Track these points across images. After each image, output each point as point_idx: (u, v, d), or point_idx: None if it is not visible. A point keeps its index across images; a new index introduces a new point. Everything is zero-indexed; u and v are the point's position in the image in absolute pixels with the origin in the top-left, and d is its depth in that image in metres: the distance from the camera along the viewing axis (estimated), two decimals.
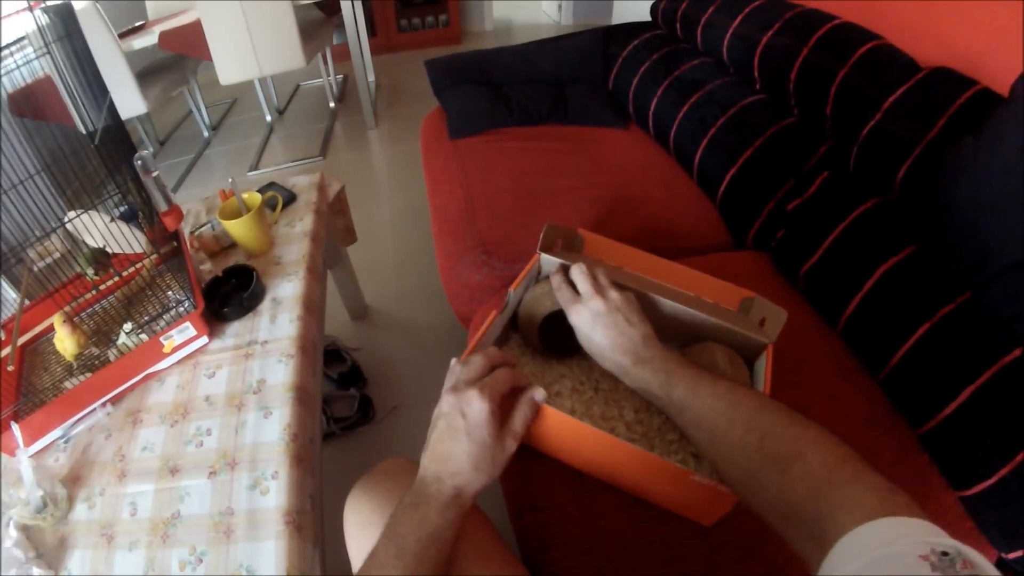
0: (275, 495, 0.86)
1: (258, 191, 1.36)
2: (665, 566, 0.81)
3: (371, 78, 4.30)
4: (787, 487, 0.54)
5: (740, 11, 1.66)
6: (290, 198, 1.50)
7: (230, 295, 1.16)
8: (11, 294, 1.16)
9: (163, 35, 2.93)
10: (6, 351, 1.06)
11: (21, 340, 1.13)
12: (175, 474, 0.90)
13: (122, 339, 1.05)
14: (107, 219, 1.07)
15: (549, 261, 0.98)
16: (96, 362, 1.05)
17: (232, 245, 1.36)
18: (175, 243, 1.22)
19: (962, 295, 0.95)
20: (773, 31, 1.52)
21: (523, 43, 2.27)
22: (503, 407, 0.71)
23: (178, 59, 3.44)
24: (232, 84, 3.10)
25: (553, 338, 0.95)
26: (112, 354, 1.05)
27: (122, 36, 2.87)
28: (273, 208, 1.42)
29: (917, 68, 1.18)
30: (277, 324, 1.12)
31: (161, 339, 1.03)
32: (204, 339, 1.09)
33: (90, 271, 1.14)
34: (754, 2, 1.64)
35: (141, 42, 2.91)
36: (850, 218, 1.15)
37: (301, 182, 1.58)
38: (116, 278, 1.17)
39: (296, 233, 1.37)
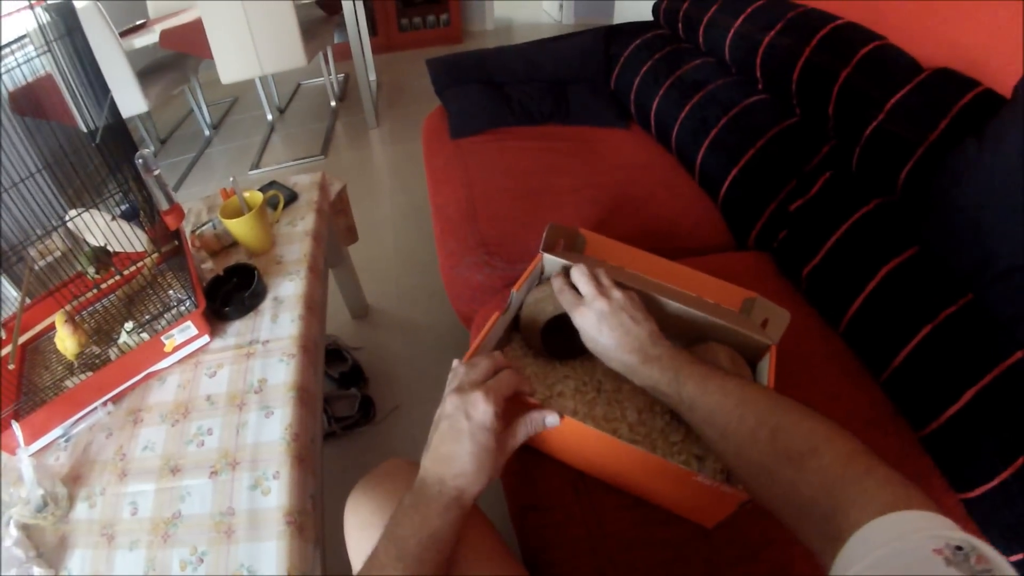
0: (276, 495, 0.85)
1: (259, 190, 1.36)
2: (667, 567, 0.81)
3: (372, 77, 4.30)
4: (800, 482, 0.54)
5: (742, 11, 1.66)
6: (291, 197, 1.50)
7: (231, 294, 1.16)
8: (12, 292, 1.16)
9: (164, 33, 2.93)
10: (7, 350, 1.06)
11: (22, 339, 1.12)
12: (176, 474, 0.90)
13: (123, 338, 1.05)
14: (108, 218, 1.07)
15: (552, 261, 0.98)
16: (97, 361, 1.05)
17: (233, 244, 1.36)
18: (176, 242, 1.22)
19: (964, 297, 0.95)
20: (775, 31, 1.51)
21: (524, 42, 2.27)
22: (505, 410, 0.71)
23: (179, 58, 3.44)
24: (233, 83, 3.09)
25: (556, 340, 0.95)
26: (113, 353, 1.05)
27: (123, 34, 2.87)
28: (274, 207, 1.41)
29: (920, 69, 1.18)
30: (278, 323, 1.12)
31: (162, 338, 1.03)
32: (205, 338, 1.09)
33: (91, 270, 1.14)
34: (756, 2, 1.64)
35: (142, 40, 2.91)
36: (852, 219, 1.15)
37: (302, 181, 1.58)
38: (117, 277, 1.17)
39: (297, 232, 1.37)
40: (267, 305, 1.16)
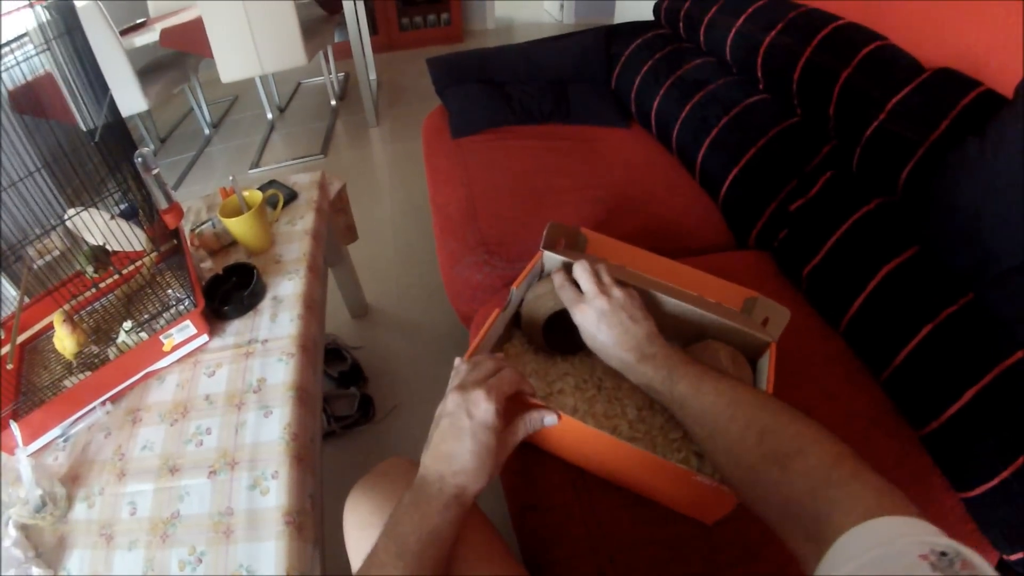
0: (275, 495, 0.85)
1: (259, 189, 1.36)
2: (667, 567, 0.81)
3: (372, 76, 4.30)
4: (785, 484, 0.54)
5: (743, 11, 1.65)
6: (291, 196, 1.50)
7: (230, 293, 1.16)
8: (11, 292, 1.15)
9: (164, 32, 2.93)
10: (5, 349, 1.06)
11: (20, 338, 1.12)
12: (175, 473, 0.90)
13: (122, 337, 1.05)
14: (107, 217, 1.07)
15: (552, 259, 0.98)
16: (96, 360, 1.05)
17: (233, 243, 1.35)
18: (175, 241, 1.22)
19: (965, 297, 0.95)
20: (776, 31, 1.51)
21: (525, 42, 2.27)
22: (506, 408, 0.71)
23: (179, 56, 3.44)
24: (233, 82, 3.09)
25: (556, 336, 0.95)
26: (112, 352, 1.04)
27: (123, 33, 2.87)
28: (274, 206, 1.41)
29: (921, 69, 1.17)
30: (277, 323, 1.12)
31: (161, 337, 1.02)
32: (204, 337, 1.09)
33: (90, 269, 1.14)
34: (757, 2, 1.64)
35: (142, 39, 2.91)
36: (853, 219, 1.15)
37: (302, 180, 1.58)
38: (116, 276, 1.17)
39: (297, 231, 1.37)
40: (266, 304, 1.16)
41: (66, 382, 1.02)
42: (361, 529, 0.77)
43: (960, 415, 0.88)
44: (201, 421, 0.97)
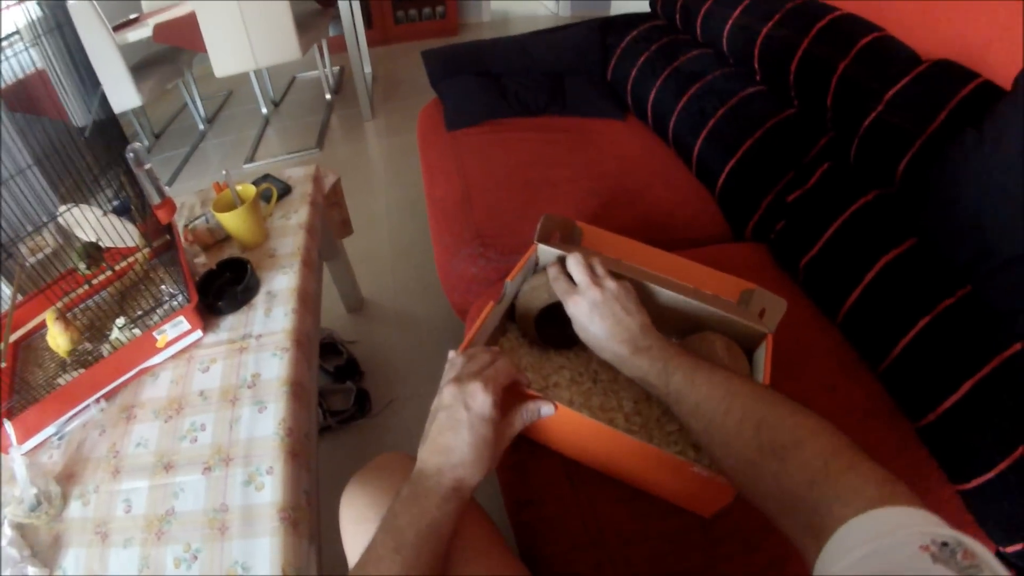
0: (270, 491, 0.85)
1: (253, 183, 1.35)
2: (665, 560, 0.81)
3: (368, 70, 4.28)
4: (784, 476, 0.54)
5: (740, 2, 1.65)
6: (285, 190, 1.49)
7: (224, 288, 1.15)
8: (3, 290, 1.15)
9: (158, 28, 2.92)
10: None
11: (13, 336, 1.11)
12: (169, 470, 0.89)
13: (115, 334, 1.04)
14: (100, 213, 1.06)
15: (546, 252, 0.98)
16: (89, 358, 1.04)
17: (226, 238, 1.35)
18: (168, 237, 1.21)
19: (963, 288, 0.95)
20: (773, 22, 1.50)
21: (521, 34, 2.26)
22: (502, 400, 0.71)
23: (173, 52, 3.42)
24: (227, 76, 3.07)
25: (551, 329, 0.95)
26: (105, 349, 1.04)
27: (116, 29, 2.85)
28: (268, 200, 1.40)
29: (918, 60, 1.17)
30: (272, 317, 1.11)
31: (154, 334, 1.02)
32: (198, 333, 1.08)
33: (82, 266, 1.13)
34: None
35: (136, 35, 2.89)
36: (850, 210, 1.15)
37: (296, 174, 1.57)
38: (109, 272, 1.16)
39: (291, 225, 1.36)
40: (260, 299, 1.16)
41: (60, 380, 1.01)
42: (357, 524, 0.76)
43: (957, 407, 0.88)
44: (195, 417, 0.96)
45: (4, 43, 0.92)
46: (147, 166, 1.04)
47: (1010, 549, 0.81)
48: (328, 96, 3.98)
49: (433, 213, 1.66)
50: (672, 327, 0.94)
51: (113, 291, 1.17)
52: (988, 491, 0.84)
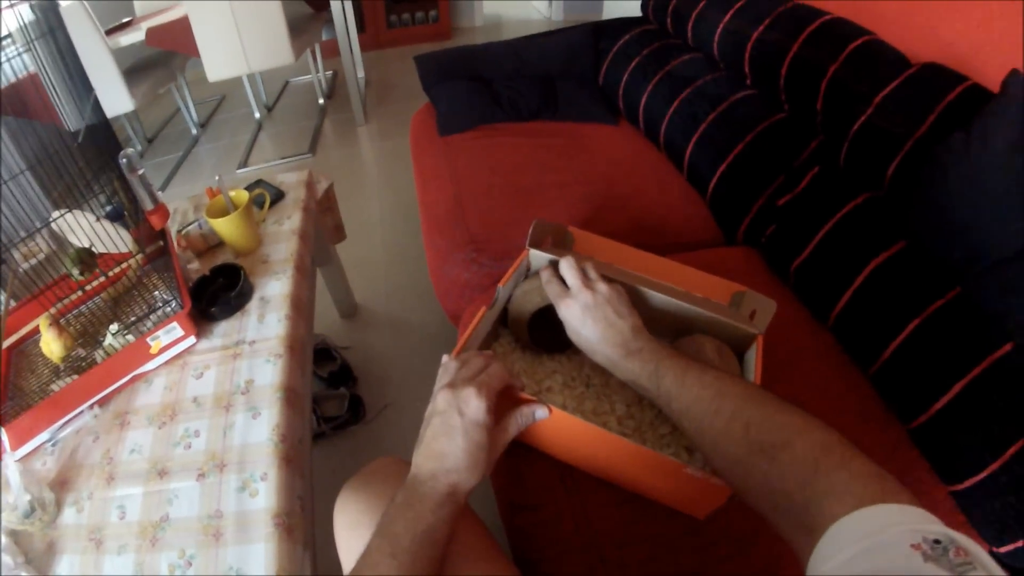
0: (264, 497, 0.85)
1: (246, 189, 1.35)
2: (658, 563, 0.81)
3: (360, 74, 4.28)
4: (774, 475, 0.54)
5: (731, 6, 1.66)
6: (278, 196, 1.49)
7: (217, 294, 1.15)
8: None
9: (150, 31, 2.91)
10: None
11: (7, 342, 1.11)
12: (163, 477, 0.89)
13: (108, 340, 1.04)
14: (93, 218, 1.06)
15: (538, 257, 0.98)
16: (83, 364, 1.04)
17: (220, 244, 1.35)
18: (161, 242, 1.21)
19: (952, 290, 0.96)
20: (764, 26, 1.51)
21: (513, 39, 2.27)
22: (496, 404, 0.71)
23: (166, 56, 3.41)
24: (220, 81, 3.07)
25: (543, 333, 0.95)
26: (99, 355, 1.04)
27: (109, 33, 2.84)
28: (261, 206, 1.40)
29: (908, 64, 1.18)
30: (265, 323, 1.11)
31: (148, 340, 1.02)
32: (191, 339, 1.08)
33: (76, 271, 1.13)
34: None
35: (128, 39, 2.89)
36: (840, 214, 1.15)
37: (289, 179, 1.57)
38: (102, 278, 1.16)
39: (284, 231, 1.36)
40: (254, 305, 1.16)
41: (53, 386, 1.01)
42: (352, 529, 0.77)
43: (948, 408, 0.89)
44: (189, 424, 0.96)
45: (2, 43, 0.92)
46: (140, 171, 1.04)
47: (1003, 549, 0.82)
48: (321, 101, 3.97)
49: (425, 218, 1.66)
50: (663, 330, 0.95)
51: (106, 297, 1.17)
52: (980, 491, 0.84)
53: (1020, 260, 0.86)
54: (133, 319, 1.09)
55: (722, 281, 0.99)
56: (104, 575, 0.81)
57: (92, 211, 1.05)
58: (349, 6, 3.89)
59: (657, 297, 0.92)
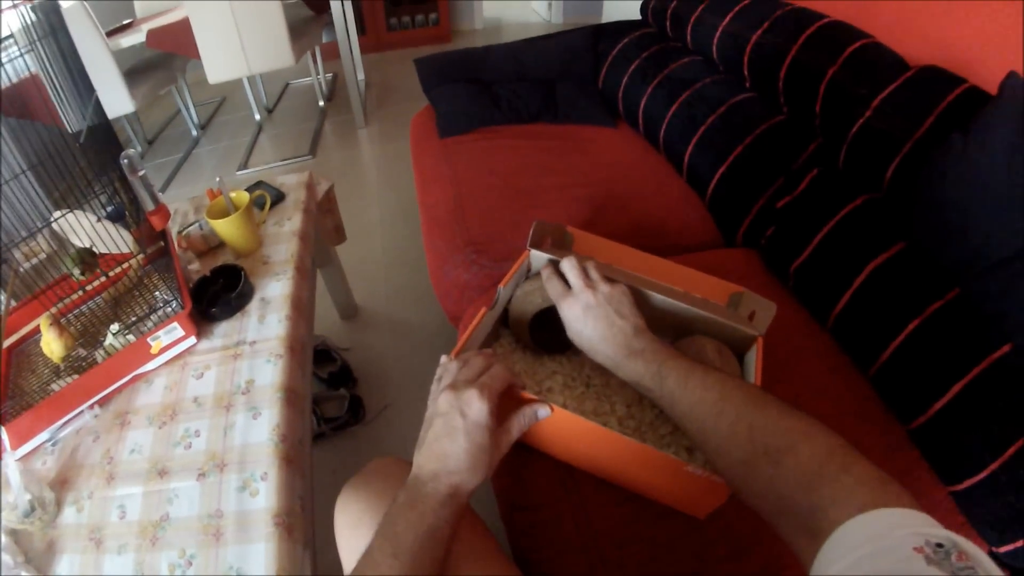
0: (264, 496, 0.85)
1: (246, 190, 1.35)
2: (658, 564, 0.81)
3: (361, 77, 4.28)
4: (778, 479, 0.54)
5: (730, 9, 1.66)
6: (278, 197, 1.49)
7: (218, 295, 1.15)
8: None
9: (151, 33, 2.91)
10: None
11: (7, 342, 1.11)
12: (164, 476, 0.89)
13: (109, 340, 1.04)
14: (94, 219, 1.06)
15: (539, 257, 0.98)
16: (83, 364, 1.04)
17: (220, 245, 1.35)
18: (162, 243, 1.21)
19: (951, 291, 0.96)
20: (763, 29, 1.52)
21: (513, 41, 2.27)
22: (500, 406, 0.71)
23: (166, 57, 3.42)
24: (221, 83, 3.07)
25: (544, 334, 0.95)
26: (99, 355, 1.04)
27: (110, 34, 2.85)
28: (261, 207, 1.41)
29: (906, 66, 1.18)
30: (265, 324, 1.11)
31: (148, 340, 1.02)
32: (192, 340, 1.08)
33: (76, 272, 1.13)
34: (743, 0, 1.64)
35: (129, 40, 2.89)
36: (839, 215, 1.16)
37: (290, 181, 1.57)
38: (103, 279, 1.16)
39: (285, 232, 1.37)
40: (254, 306, 1.16)
41: (54, 386, 1.01)
42: (352, 528, 0.77)
43: (948, 409, 0.89)
44: (190, 423, 0.96)
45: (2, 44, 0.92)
46: (141, 172, 1.05)
47: (1003, 549, 0.82)
48: (321, 103, 3.98)
49: (426, 220, 1.66)
50: (664, 331, 0.94)
51: (107, 297, 1.17)
52: (980, 492, 0.84)
53: (1019, 261, 0.86)
54: (134, 319, 1.10)
55: (719, 281, 0.99)
56: (104, 575, 0.80)
57: (93, 211, 1.06)
58: (349, 8, 3.90)
59: (656, 298, 0.92)
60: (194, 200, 1.55)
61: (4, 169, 0.89)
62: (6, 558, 0.80)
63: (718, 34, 1.69)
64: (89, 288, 1.15)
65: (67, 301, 1.14)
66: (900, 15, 1.29)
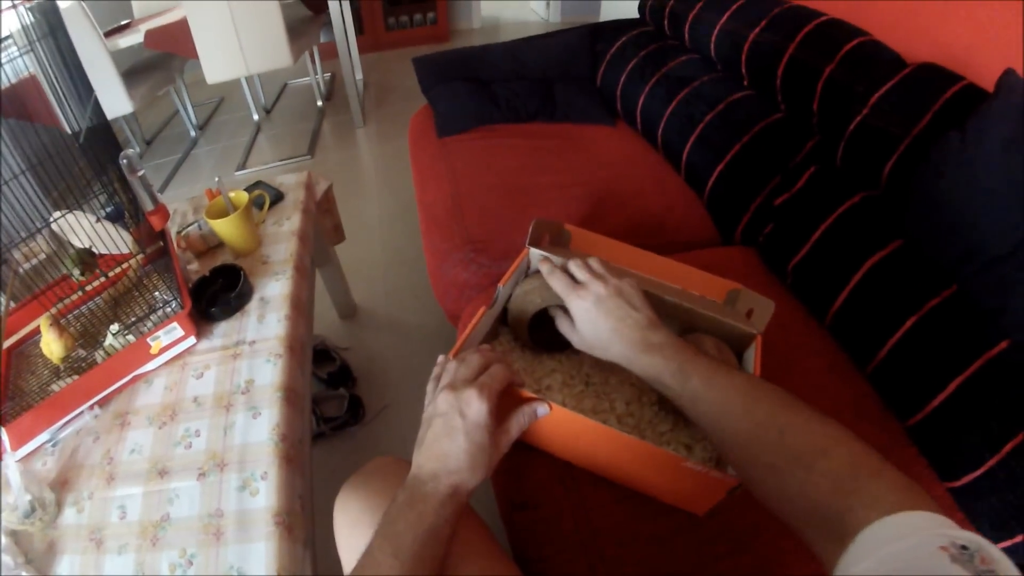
0: (264, 496, 0.85)
1: (245, 190, 1.35)
2: (657, 561, 0.82)
3: (359, 76, 4.28)
4: (809, 484, 0.53)
5: (727, 7, 1.66)
6: (277, 197, 1.49)
7: (217, 295, 1.15)
8: None
9: (149, 33, 2.91)
10: None
11: (7, 343, 1.11)
12: (164, 476, 0.90)
13: (109, 340, 1.04)
14: (93, 219, 1.06)
15: (538, 256, 0.98)
16: (83, 364, 1.04)
17: (219, 245, 1.35)
18: (161, 243, 1.22)
19: (948, 288, 0.96)
20: (760, 27, 1.52)
21: (511, 40, 2.27)
22: (498, 404, 0.71)
23: (164, 58, 3.41)
24: (219, 83, 3.07)
25: (543, 333, 0.95)
26: (99, 356, 1.04)
27: (108, 35, 2.84)
28: (260, 207, 1.41)
29: (903, 64, 1.18)
30: (265, 324, 1.11)
31: (148, 340, 1.02)
32: (192, 340, 1.08)
33: (76, 272, 1.13)
34: None
35: (127, 41, 2.88)
36: (837, 213, 1.16)
37: (288, 181, 1.58)
38: (102, 279, 1.16)
39: (284, 232, 1.37)
40: (253, 305, 1.16)
41: (53, 386, 1.01)
42: (352, 527, 0.77)
43: (945, 406, 0.89)
44: (190, 423, 0.96)
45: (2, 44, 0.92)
46: (140, 172, 1.05)
47: (1001, 545, 0.81)
48: (319, 103, 3.98)
49: (424, 219, 1.66)
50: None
51: (107, 297, 1.17)
52: (978, 488, 0.85)
53: (1015, 257, 0.87)
54: (133, 319, 1.10)
55: (717, 279, 0.99)
56: (105, 575, 0.81)
57: (92, 212, 1.06)
58: (347, 8, 3.89)
59: (654, 295, 0.92)
60: (193, 200, 1.55)
61: (3, 170, 0.89)
62: (6, 559, 0.80)
63: (716, 32, 1.69)
64: (89, 288, 1.16)
65: (67, 302, 1.14)
66: (897, 13, 1.29)
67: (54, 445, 0.97)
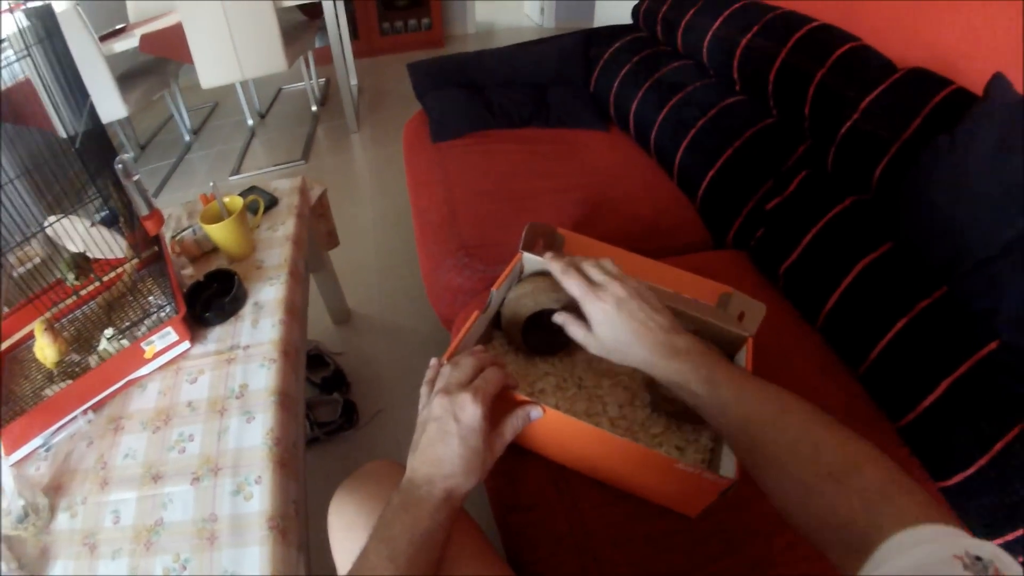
0: (259, 500, 0.85)
1: (239, 195, 1.35)
2: (651, 562, 0.82)
3: (354, 81, 4.28)
4: (840, 499, 0.52)
5: (720, 13, 1.67)
6: (272, 202, 1.49)
7: (212, 300, 1.15)
8: None
9: (144, 38, 2.91)
10: None
11: (1, 347, 1.11)
12: (157, 481, 0.89)
13: (103, 345, 1.04)
14: (88, 224, 1.06)
15: (532, 260, 0.99)
16: (77, 369, 1.04)
17: (214, 249, 1.35)
18: (156, 248, 1.22)
19: (939, 290, 0.97)
20: (752, 33, 1.53)
21: (505, 46, 2.28)
22: (492, 407, 0.71)
23: (159, 62, 3.41)
24: (213, 88, 3.07)
25: (536, 336, 0.96)
26: (93, 360, 1.04)
27: (103, 39, 2.84)
28: (255, 212, 1.41)
29: (893, 69, 1.19)
30: (259, 328, 1.12)
31: (142, 345, 1.02)
32: (186, 344, 1.08)
33: (71, 276, 1.13)
34: (734, 4, 1.66)
35: (122, 45, 2.88)
36: (828, 216, 1.17)
37: (283, 186, 1.58)
38: (97, 283, 1.16)
39: (278, 237, 1.37)
40: (247, 310, 1.16)
41: (47, 391, 1.01)
42: (346, 531, 0.77)
43: (936, 406, 0.90)
44: (184, 428, 0.96)
45: None
46: (135, 177, 1.05)
47: (995, 542, 0.83)
48: (314, 108, 3.98)
49: (418, 224, 1.67)
50: None
51: (101, 302, 1.17)
52: (969, 487, 0.85)
53: (1004, 258, 0.88)
54: (127, 324, 1.10)
55: (709, 282, 1.00)
56: None
57: (87, 216, 1.06)
58: (342, 13, 3.90)
59: None
60: (187, 205, 1.55)
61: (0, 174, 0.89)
62: None
63: (708, 38, 1.70)
64: (83, 293, 1.15)
65: (61, 306, 1.14)
66: (888, 18, 1.30)
67: (47, 450, 0.97)
